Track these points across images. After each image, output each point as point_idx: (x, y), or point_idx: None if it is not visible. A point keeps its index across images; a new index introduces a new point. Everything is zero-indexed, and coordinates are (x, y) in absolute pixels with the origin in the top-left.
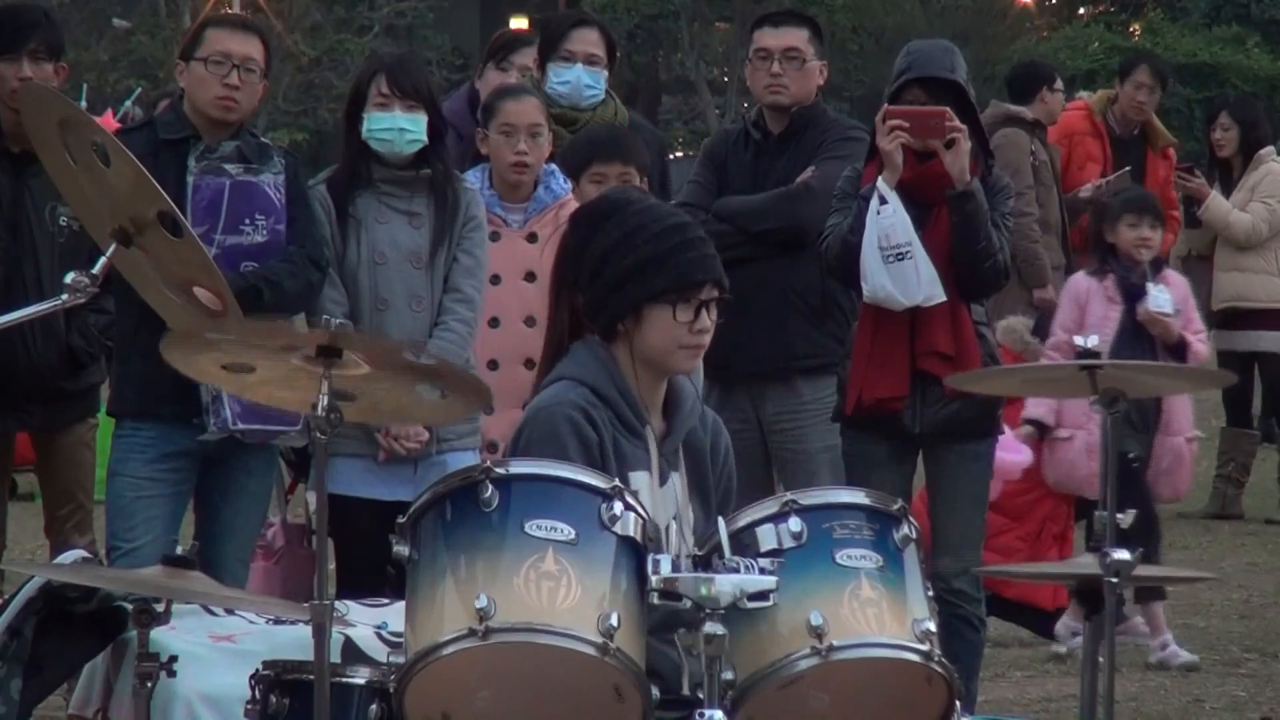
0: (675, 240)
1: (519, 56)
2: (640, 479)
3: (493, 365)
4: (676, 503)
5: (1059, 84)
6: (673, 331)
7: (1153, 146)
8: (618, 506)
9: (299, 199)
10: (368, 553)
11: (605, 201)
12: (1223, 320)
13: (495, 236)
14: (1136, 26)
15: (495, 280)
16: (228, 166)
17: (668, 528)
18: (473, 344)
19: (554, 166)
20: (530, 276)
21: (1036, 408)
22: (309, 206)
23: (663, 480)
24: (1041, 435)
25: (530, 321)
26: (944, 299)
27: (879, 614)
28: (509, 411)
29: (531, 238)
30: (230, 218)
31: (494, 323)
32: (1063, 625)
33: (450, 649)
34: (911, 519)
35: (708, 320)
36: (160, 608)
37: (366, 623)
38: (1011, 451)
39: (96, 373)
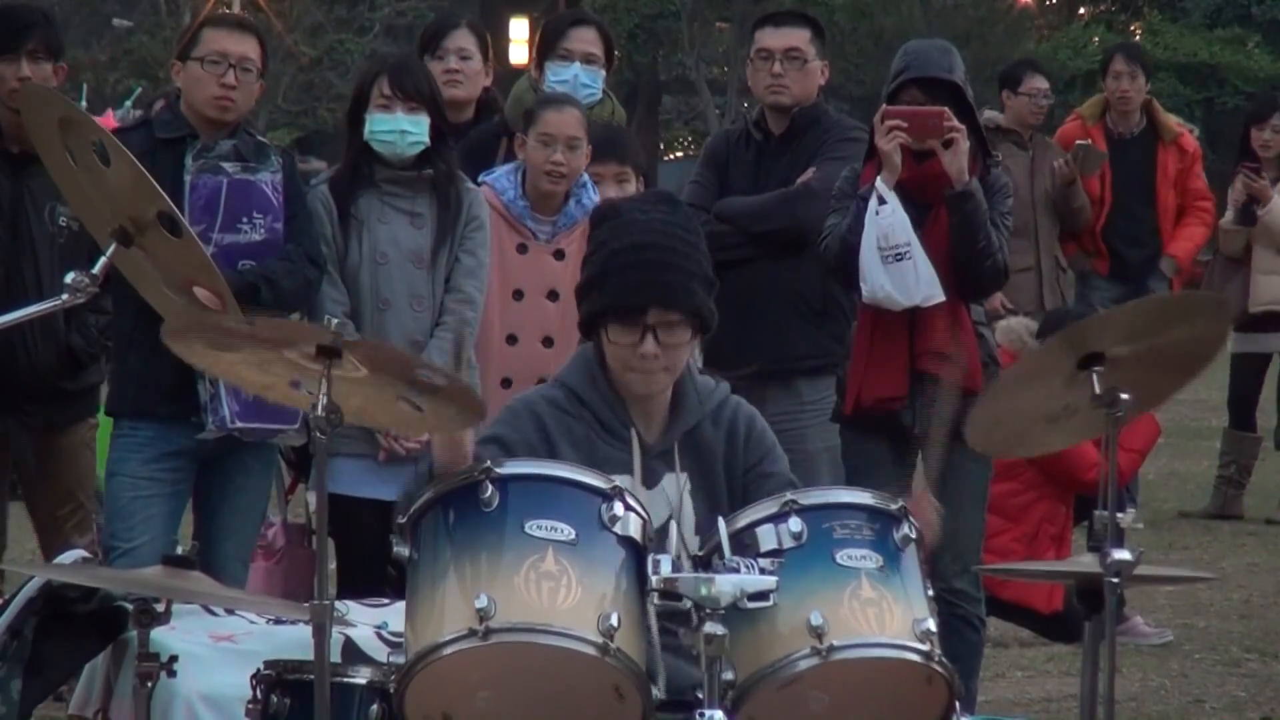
0: (625, 260)
1: (450, 41)
2: (621, 483)
3: (506, 383)
4: (670, 504)
5: (1026, 86)
6: (618, 352)
7: (1162, 140)
8: (618, 507)
9: (296, 197)
10: (368, 553)
11: (598, 211)
12: (1250, 322)
13: (523, 249)
14: (1137, 27)
15: (518, 295)
16: (225, 165)
17: (664, 528)
18: (473, 344)
19: (587, 178)
20: (553, 295)
21: None
22: (306, 205)
23: (651, 483)
24: None
25: (548, 342)
26: (943, 299)
27: (879, 614)
28: None
29: (559, 255)
30: (227, 216)
31: (511, 339)
32: None
33: (450, 649)
34: (911, 519)
35: (653, 346)
36: (160, 608)
37: (367, 623)
38: None
39: (96, 373)
